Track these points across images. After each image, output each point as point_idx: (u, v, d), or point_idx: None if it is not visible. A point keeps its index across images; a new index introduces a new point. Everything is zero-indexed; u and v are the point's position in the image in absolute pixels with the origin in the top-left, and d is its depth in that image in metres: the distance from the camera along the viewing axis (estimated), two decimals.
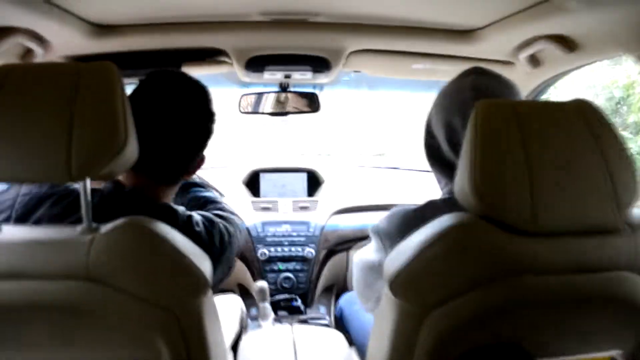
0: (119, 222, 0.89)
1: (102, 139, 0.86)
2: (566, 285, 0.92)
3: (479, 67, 1.19)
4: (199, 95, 1.16)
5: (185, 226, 1.08)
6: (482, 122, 0.91)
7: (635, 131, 4.56)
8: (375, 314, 1.14)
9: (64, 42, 1.46)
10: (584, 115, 0.93)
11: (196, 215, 1.14)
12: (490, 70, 1.18)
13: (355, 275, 1.25)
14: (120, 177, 1.11)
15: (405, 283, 0.94)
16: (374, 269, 1.16)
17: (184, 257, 0.92)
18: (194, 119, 1.13)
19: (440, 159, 1.17)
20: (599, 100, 4.61)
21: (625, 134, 4.44)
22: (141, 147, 0.96)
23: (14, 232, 0.92)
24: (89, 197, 0.89)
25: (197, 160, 1.18)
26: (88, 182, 0.87)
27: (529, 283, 0.92)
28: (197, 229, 1.10)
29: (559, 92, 3.85)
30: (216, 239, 1.13)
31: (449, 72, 1.71)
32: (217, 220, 1.17)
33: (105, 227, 0.89)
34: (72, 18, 1.37)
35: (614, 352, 1.02)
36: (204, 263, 0.97)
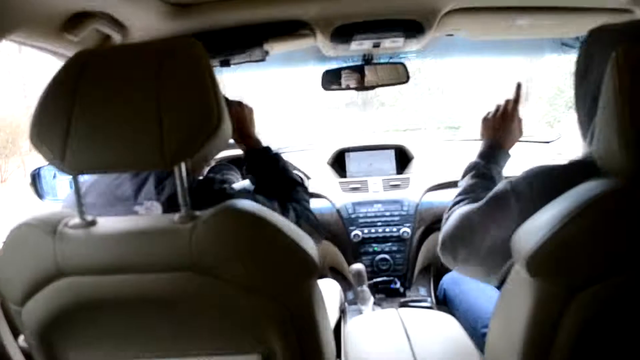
0: (219, 207, 0.85)
1: (194, 120, 0.81)
2: None
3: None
4: None
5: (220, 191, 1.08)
6: (633, 70, 0.76)
7: None
8: (502, 296, 1.02)
9: (141, 25, 1.43)
10: None
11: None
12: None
13: (456, 231, 1.12)
14: None
15: (547, 260, 0.82)
16: (494, 236, 1.04)
17: (291, 241, 0.87)
18: None
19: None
20: None
21: None
22: None
23: (109, 224, 0.89)
24: (185, 183, 0.84)
25: None
26: (183, 166, 0.83)
27: None
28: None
29: None
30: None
31: (554, 27, 1.55)
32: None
33: (205, 214, 0.84)
34: None
35: None
36: (309, 244, 0.91)
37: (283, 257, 0.87)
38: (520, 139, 1.35)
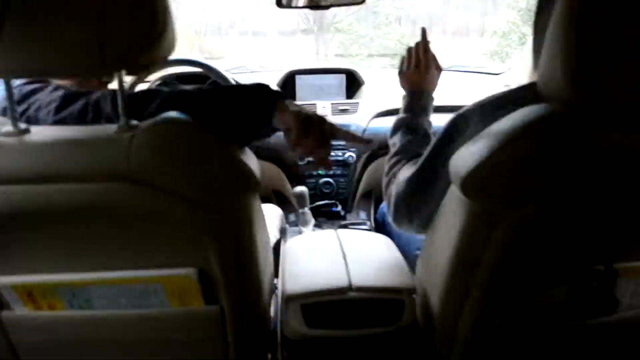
0: (159, 118, 0.84)
1: (138, 25, 0.77)
2: None
3: None
4: None
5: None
6: None
7: None
8: (437, 216, 1.07)
9: None
10: None
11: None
12: None
13: (409, 197, 1.14)
14: None
15: (480, 182, 0.85)
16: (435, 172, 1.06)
17: (234, 155, 0.88)
18: None
19: None
20: None
21: None
22: None
23: (44, 133, 0.86)
24: (125, 91, 0.83)
25: None
26: (123, 74, 0.80)
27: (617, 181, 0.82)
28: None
29: None
30: None
31: None
32: None
33: (145, 124, 0.83)
34: None
35: None
36: (252, 161, 0.93)
37: (223, 169, 0.87)
38: (471, 70, 1.36)
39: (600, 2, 0.73)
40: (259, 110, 0.95)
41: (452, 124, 1.03)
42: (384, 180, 1.26)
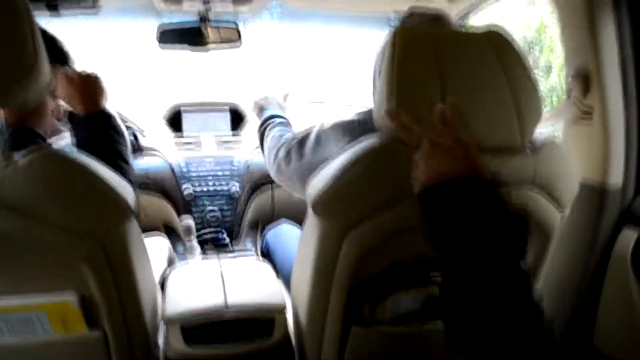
0: (33, 148, 0.88)
1: (6, 58, 0.82)
2: None
3: (415, 8, 1.22)
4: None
5: None
6: (400, 47, 0.96)
7: (546, 72, 4.82)
8: (300, 237, 1.20)
9: None
10: (494, 44, 1.00)
11: None
12: (424, 10, 1.21)
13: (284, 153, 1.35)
14: None
15: (327, 202, 1.01)
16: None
17: (104, 183, 0.94)
18: None
19: None
20: None
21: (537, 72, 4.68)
22: None
23: None
24: (3, 125, 0.91)
25: None
26: None
27: None
28: None
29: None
30: None
31: (370, 4, 1.75)
32: None
33: (19, 154, 0.87)
34: None
35: None
36: (125, 189, 0.98)
37: (96, 197, 0.93)
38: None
39: (407, 63, 0.95)
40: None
41: (319, 134, 1.24)
42: (259, 134, 1.51)
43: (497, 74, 0.99)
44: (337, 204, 1.01)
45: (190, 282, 1.36)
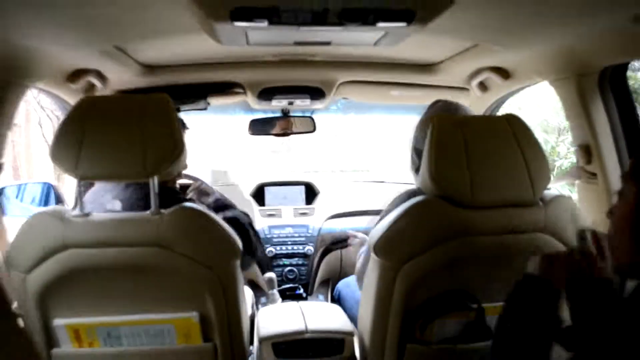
0: (177, 206, 1.23)
1: (165, 148, 1.21)
2: (497, 243, 1.27)
3: (440, 99, 1.63)
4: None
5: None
6: (437, 130, 1.29)
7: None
8: (365, 276, 1.48)
9: (119, 79, 1.87)
10: (511, 125, 1.31)
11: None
12: (448, 100, 1.61)
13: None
14: None
15: (385, 245, 1.30)
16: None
17: (223, 230, 1.27)
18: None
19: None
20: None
21: None
22: None
23: (101, 215, 1.25)
24: (157, 190, 1.22)
25: None
26: (156, 179, 1.21)
27: (471, 242, 1.27)
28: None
29: None
30: None
31: (419, 97, 2.15)
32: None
33: (168, 210, 1.22)
34: (130, 60, 1.76)
35: None
36: (235, 236, 1.30)
37: (218, 240, 1.26)
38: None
39: (443, 142, 1.26)
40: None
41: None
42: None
43: (513, 147, 1.28)
44: (392, 246, 1.29)
45: (276, 314, 1.66)
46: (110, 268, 1.21)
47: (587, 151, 1.62)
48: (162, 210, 1.22)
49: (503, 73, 1.88)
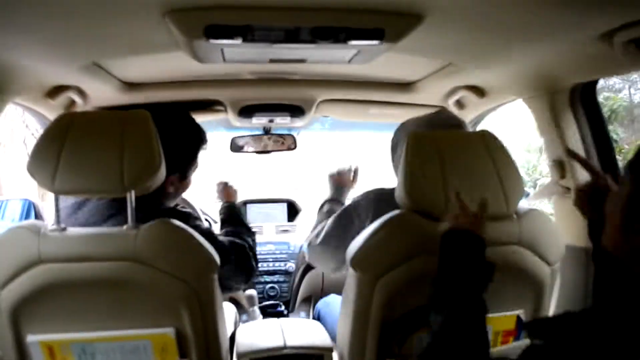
0: (153, 222, 1.21)
1: (143, 163, 1.20)
2: None
3: (442, 108, 1.67)
4: (189, 129, 1.51)
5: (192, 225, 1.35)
6: (412, 146, 1.30)
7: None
8: (343, 291, 1.47)
9: (99, 95, 1.86)
10: (484, 141, 1.32)
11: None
12: (449, 112, 1.61)
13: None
14: None
15: (362, 259, 1.30)
16: (340, 238, 1.57)
17: (199, 244, 1.25)
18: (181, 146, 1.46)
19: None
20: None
21: None
22: None
23: (77, 230, 1.23)
24: (134, 204, 1.21)
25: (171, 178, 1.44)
26: (133, 193, 1.20)
27: None
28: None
29: None
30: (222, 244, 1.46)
31: (396, 115, 2.14)
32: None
33: (145, 225, 1.20)
34: (111, 77, 1.76)
35: (518, 312, 1.35)
36: (212, 249, 1.28)
37: (194, 254, 1.24)
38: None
39: (417, 157, 1.27)
40: None
41: (353, 206, 1.59)
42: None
43: (486, 162, 1.29)
44: (369, 259, 1.29)
45: (255, 330, 1.64)
46: (86, 283, 1.19)
47: (561, 166, 1.65)
48: (139, 225, 1.21)
49: (478, 91, 1.91)
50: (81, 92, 1.79)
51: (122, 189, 1.18)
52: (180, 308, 1.23)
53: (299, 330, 1.64)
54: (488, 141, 1.33)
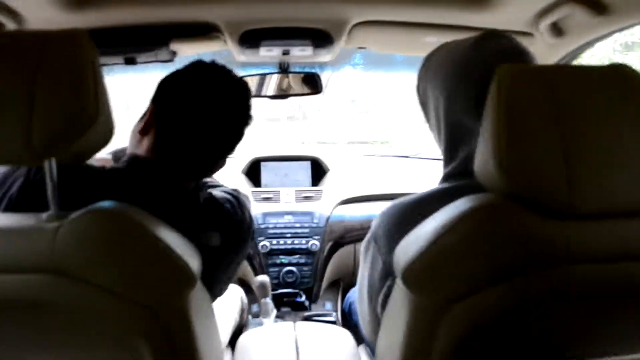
0: (89, 208, 0.83)
1: (67, 114, 0.80)
2: (607, 275, 0.85)
3: (496, 31, 1.09)
4: (241, 97, 1.14)
5: (208, 205, 1.08)
6: (508, 89, 0.84)
7: None
8: (387, 308, 1.05)
9: (37, 16, 1.42)
10: (624, 83, 0.86)
11: (217, 192, 1.12)
12: (505, 35, 1.08)
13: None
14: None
15: (421, 274, 0.86)
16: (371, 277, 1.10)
17: (166, 247, 0.86)
18: (233, 121, 1.12)
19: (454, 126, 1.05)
20: None
21: None
22: (170, 142, 1.03)
23: None
24: (55, 180, 0.83)
25: (222, 162, 1.16)
26: (53, 162, 0.82)
27: (564, 274, 0.83)
28: (226, 206, 1.09)
29: None
30: (247, 215, 1.13)
31: None
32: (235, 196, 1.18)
33: (74, 214, 0.82)
34: None
35: None
36: (188, 252, 0.91)
37: (155, 263, 0.86)
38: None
39: (518, 107, 0.82)
40: None
41: (372, 237, 1.07)
42: None
43: (631, 119, 0.85)
44: (434, 276, 0.87)
45: (261, 348, 1.30)
46: None
47: None
48: (66, 214, 0.84)
49: (594, 5, 1.35)
50: (11, 12, 1.37)
51: (33, 155, 0.81)
52: (135, 340, 0.86)
53: (319, 347, 1.30)
54: (630, 84, 0.87)
